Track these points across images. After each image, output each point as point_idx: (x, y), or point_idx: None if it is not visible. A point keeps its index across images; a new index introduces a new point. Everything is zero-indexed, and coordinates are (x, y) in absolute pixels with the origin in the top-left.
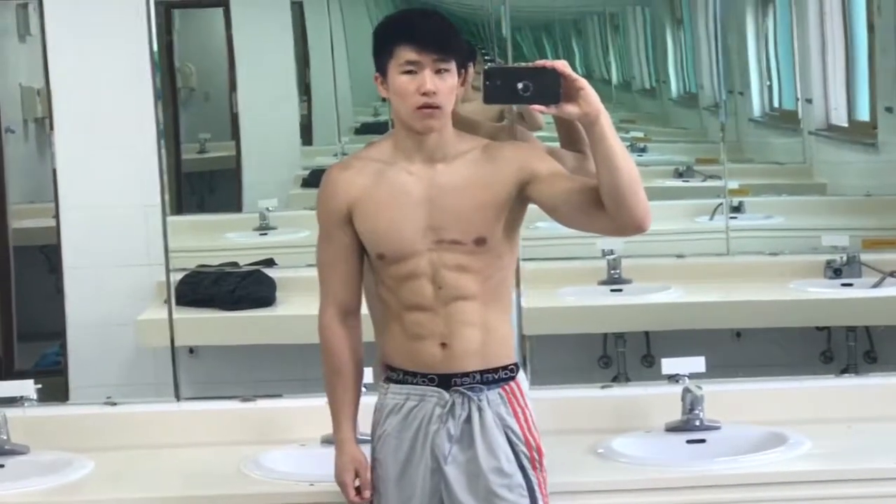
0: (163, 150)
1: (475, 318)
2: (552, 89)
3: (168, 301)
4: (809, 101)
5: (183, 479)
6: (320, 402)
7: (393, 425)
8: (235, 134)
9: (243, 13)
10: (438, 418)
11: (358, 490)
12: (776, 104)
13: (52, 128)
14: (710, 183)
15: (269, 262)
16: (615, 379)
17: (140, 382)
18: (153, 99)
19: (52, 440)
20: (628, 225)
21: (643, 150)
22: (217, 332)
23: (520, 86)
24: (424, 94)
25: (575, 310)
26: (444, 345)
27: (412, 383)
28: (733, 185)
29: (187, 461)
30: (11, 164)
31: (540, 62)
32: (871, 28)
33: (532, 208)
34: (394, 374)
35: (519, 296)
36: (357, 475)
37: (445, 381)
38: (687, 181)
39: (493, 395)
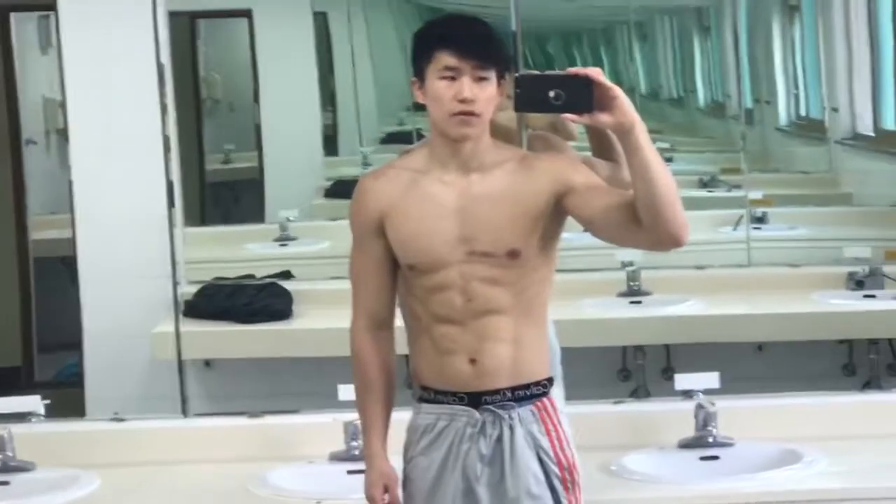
0: (171, 163)
1: (506, 334)
2: (585, 98)
3: (175, 315)
4: (836, 109)
5: (189, 496)
6: (328, 419)
7: (424, 445)
8: (258, 144)
9: (266, 24)
10: (469, 438)
11: None
12: (803, 113)
13: (67, 139)
14: (733, 193)
15: (287, 275)
16: (635, 392)
17: (156, 395)
18: (169, 110)
19: (59, 456)
20: (664, 239)
21: (669, 160)
22: (232, 345)
23: (552, 94)
24: (462, 101)
25: (594, 322)
26: (473, 360)
27: (443, 402)
28: (757, 195)
29: (194, 478)
30: (33, 175)
31: (572, 70)
32: None
33: None
34: (426, 394)
35: None
36: (386, 490)
37: (475, 400)
38: (712, 191)
39: (524, 412)
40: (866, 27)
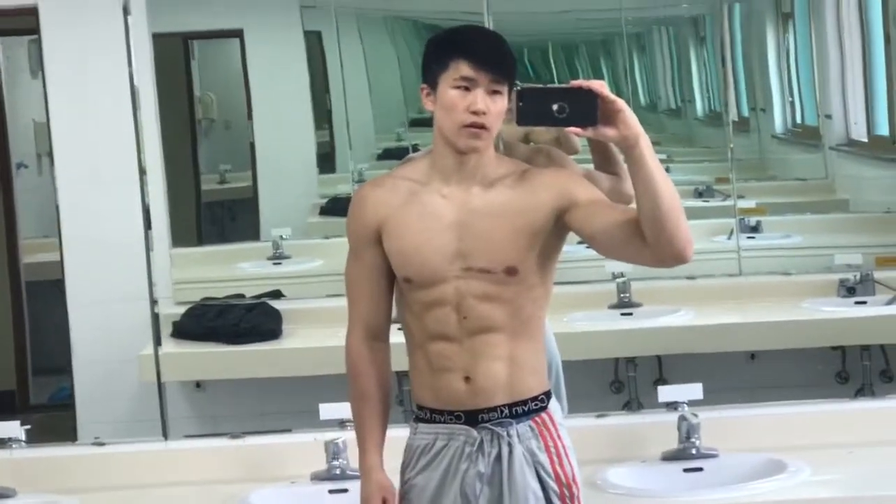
0: (148, 185)
1: (501, 352)
2: (589, 111)
3: (154, 337)
4: (829, 116)
5: None
6: (308, 438)
7: (422, 465)
8: (253, 163)
9: (257, 43)
10: (468, 457)
11: None
12: (798, 120)
13: (52, 163)
14: (727, 203)
15: (277, 294)
16: (627, 404)
17: (147, 417)
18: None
19: (39, 482)
20: (668, 255)
21: (666, 171)
22: (221, 366)
23: (555, 107)
24: (474, 112)
25: (585, 335)
26: (467, 378)
27: (440, 422)
28: (750, 203)
29: (175, 501)
30: (24, 198)
31: (576, 82)
32: (888, 41)
33: None
34: (422, 413)
35: None
36: (385, 503)
37: (472, 418)
38: (707, 201)
39: (522, 428)
40: (859, 34)
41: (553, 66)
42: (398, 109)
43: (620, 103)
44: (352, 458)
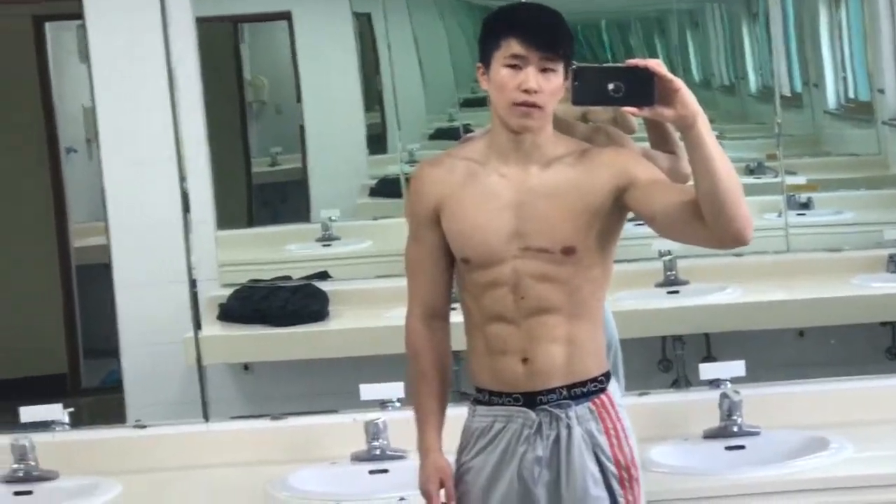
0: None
1: (559, 333)
2: (645, 90)
3: (194, 319)
4: (882, 91)
5: (209, 501)
6: (348, 419)
7: (479, 448)
8: (303, 145)
9: (305, 25)
10: (526, 440)
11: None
12: (851, 95)
13: (98, 147)
14: (777, 179)
15: (324, 275)
16: (675, 382)
17: (195, 400)
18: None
19: (81, 465)
20: (727, 237)
21: None
22: (267, 348)
23: (611, 86)
24: (525, 91)
25: (632, 314)
26: (525, 360)
27: (498, 404)
28: (801, 180)
29: (214, 482)
30: (74, 183)
31: (632, 61)
32: None
33: None
34: (480, 396)
35: None
36: (442, 485)
37: (531, 400)
38: (759, 178)
39: (581, 409)
40: None
41: (607, 44)
42: (449, 89)
43: (678, 82)
44: (392, 439)
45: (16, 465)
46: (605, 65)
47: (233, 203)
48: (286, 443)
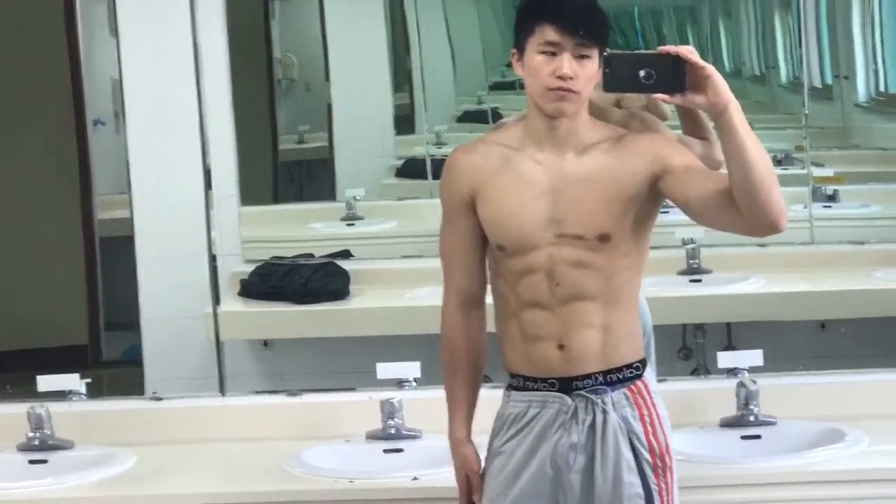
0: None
1: (594, 320)
2: (677, 77)
3: (213, 295)
4: None
5: (222, 475)
6: (364, 398)
7: (511, 434)
8: (329, 124)
9: (335, 4)
10: (561, 425)
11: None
12: (882, 88)
13: (124, 120)
14: (804, 171)
15: (346, 254)
16: (695, 371)
17: (213, 376)
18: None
19: (97, 435)
20: (761, 225)
21: None
22: (288, 325)
23: (642, 73)
24: (560, 77)
25: (653, 301)
26: (561, 346)
27: (533, 389)
28: (828, 172)
29: (229, 456)
30: (102, 155)
31: (664, 48)
32: None
33: None
34: (515, 381)
35: None
36: (467, 479)
37: (567, 386)
38: (786, 169)
39: (617, 395)
40: None
41: (640, 32)
42: (479, 72)
43: (710, 69)
44: (407, 418)
45: (31, 434)
46: (636, 52)
47: (259, 180)
48: (301, 419)
